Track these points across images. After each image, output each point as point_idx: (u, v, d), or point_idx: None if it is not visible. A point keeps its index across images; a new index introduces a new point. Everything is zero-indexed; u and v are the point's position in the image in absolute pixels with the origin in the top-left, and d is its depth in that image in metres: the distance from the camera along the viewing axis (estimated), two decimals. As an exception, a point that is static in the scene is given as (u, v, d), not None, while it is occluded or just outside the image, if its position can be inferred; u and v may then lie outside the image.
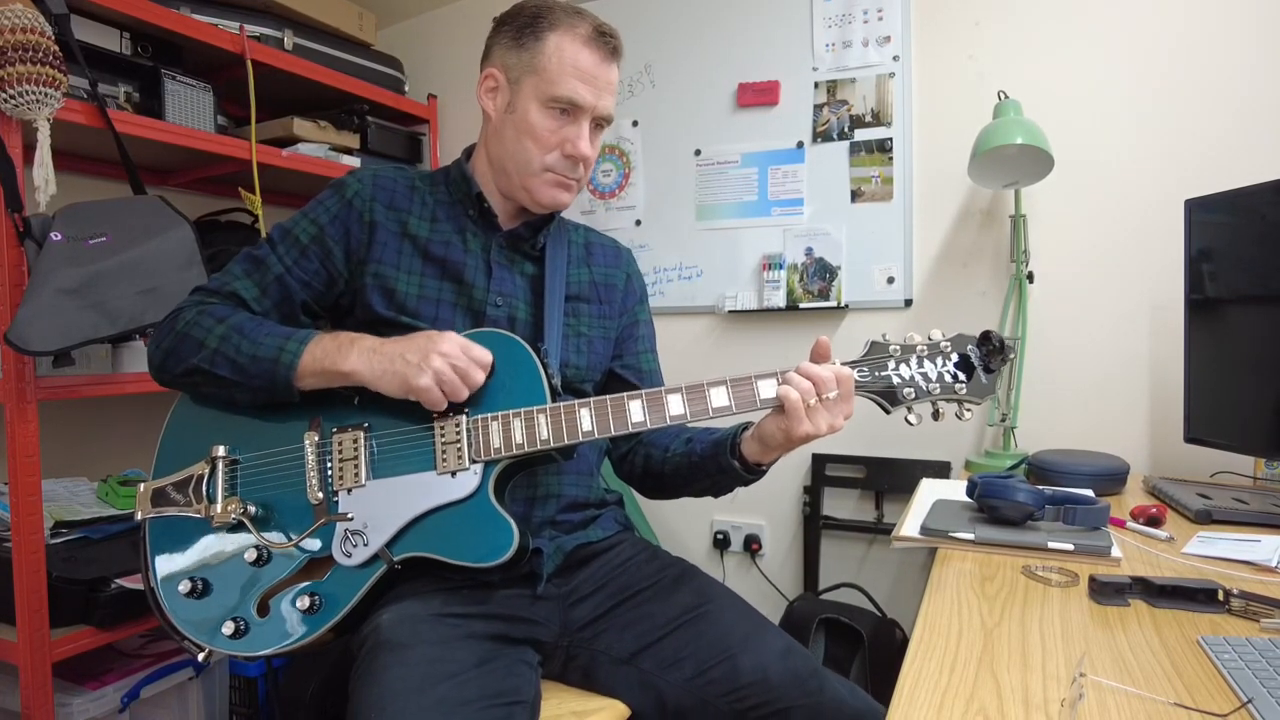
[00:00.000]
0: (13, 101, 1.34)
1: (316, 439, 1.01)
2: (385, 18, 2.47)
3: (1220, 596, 0.85)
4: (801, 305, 2.01)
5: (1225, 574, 0.96)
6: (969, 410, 0.96)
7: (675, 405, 0.97)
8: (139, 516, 1.06)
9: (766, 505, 2.12)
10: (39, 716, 1.38)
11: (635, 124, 2.23)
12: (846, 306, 1.98)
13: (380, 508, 0.98)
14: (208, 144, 1.77)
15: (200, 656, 1.00)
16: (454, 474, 0.97)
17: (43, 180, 1.38)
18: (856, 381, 0.96)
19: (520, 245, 1.16)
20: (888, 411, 0.98)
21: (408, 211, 1.12)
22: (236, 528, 1.02)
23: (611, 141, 2.27)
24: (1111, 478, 1.44)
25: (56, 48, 1.39)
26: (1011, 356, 0.95)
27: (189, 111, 1.75)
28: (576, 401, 0.98)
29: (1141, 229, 1.70)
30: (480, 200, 1.13)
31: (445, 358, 0.95)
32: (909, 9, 1.91)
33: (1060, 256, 1.78)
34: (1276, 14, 1.58)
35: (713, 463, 1.08)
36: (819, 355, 0.97)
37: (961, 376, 0.96)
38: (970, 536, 1.07)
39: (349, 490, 0.99)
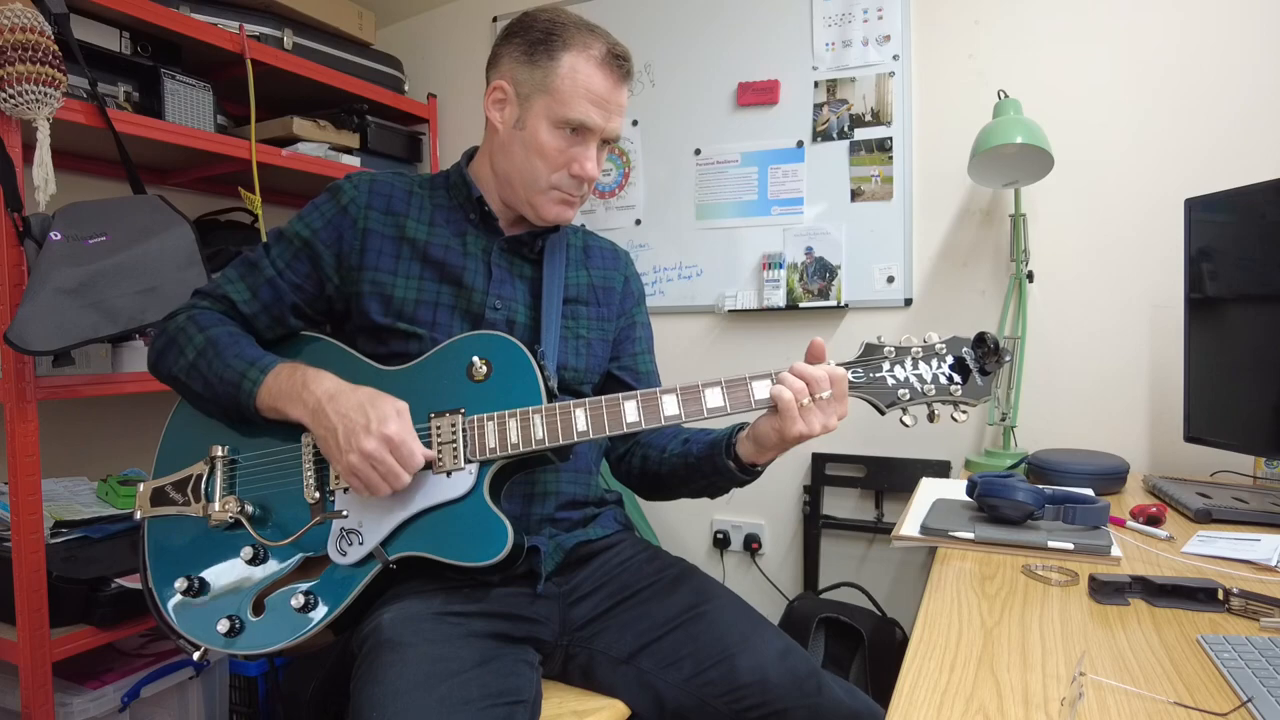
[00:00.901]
0: (12, 101, 1.34)
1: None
2: (385, 17, 2.47)
3: (1220, 595, 0.85)
4: (801, 304, 2.01)
5: (1225, 573, 0.96)
6: (965, 412, 0.96)
7: (670, 406, 0.97)
8: (138, 516, 1.07)
9: (766, 505, 2.11)
10: (39, 716, 1.38)
11: (635, 123, 2.23)
12: (846, 306, 1.98)
13: (376, 506, 0.98)
14: (207, 143, 1.77)
15: (195, 655, 1.00)
16: (449, 473, 0.97)
17: (42, 180, 1.38)
18: (851, 382, 0.96)
19: (520, 249, 1.16)
20: (882, 413, 0.98)
21: (405, 215, 1.12)
22: (234, 527, 1.02)
23: (611, 141, 2.27)
24: (1111, 477, 1.44)
25: (56, 47, 1.39)
26: (1007, 359, 0.95)
27: (188, 111, 1.75)
28: (572, 402, 0.98)
29: (1141, 228, 1.70)
30: (481, 204, 1.13)
31: (365, 458, 0.92)
32: (909, 8, 1.91)
33: (1060, 256, 1.78)
34: (1277, 14, 1.58)
35: (708, 463, 1.08)
36: (814, 356, 0.97)
37: (957, 378, 0.96)
38: (970, 536, 1.07)
39: (345, 489, 1.00)
